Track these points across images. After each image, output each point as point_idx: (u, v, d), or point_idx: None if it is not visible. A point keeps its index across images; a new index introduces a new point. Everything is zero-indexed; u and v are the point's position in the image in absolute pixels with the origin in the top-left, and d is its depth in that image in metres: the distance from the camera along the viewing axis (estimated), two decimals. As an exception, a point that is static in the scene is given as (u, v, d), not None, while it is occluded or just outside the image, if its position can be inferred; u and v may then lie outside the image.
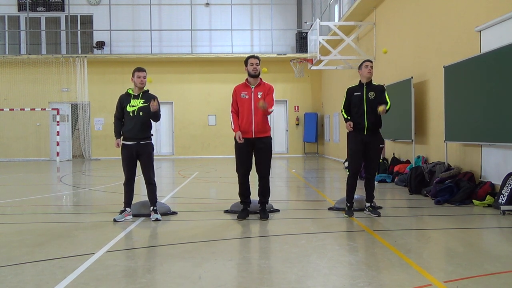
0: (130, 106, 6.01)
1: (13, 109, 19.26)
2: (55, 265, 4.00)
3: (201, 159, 19.81)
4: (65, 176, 13.07)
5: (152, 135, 6.21)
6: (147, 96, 6.08)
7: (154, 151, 6.27)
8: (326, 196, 8.25)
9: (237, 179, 6.20)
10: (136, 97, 6.06)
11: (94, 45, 21.02)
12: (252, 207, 6.28)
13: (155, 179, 6.19)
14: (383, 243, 4.64)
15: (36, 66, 19.88)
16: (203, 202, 8.08)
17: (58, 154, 19.00)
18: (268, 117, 6.19)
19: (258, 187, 6.20)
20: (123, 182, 6.13)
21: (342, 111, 6.48)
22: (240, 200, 6.27)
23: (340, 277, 3.62)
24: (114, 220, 5.88)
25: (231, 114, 6.13)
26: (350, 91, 6.36)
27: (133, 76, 6.09)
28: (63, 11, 21.12)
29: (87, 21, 21.40)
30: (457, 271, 3.74)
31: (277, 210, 6.57)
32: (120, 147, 6.11)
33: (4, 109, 19.34)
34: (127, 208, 6.08)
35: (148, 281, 3.59)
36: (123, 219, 5.93)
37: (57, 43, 21.41)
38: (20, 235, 5.25)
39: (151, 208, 6.11)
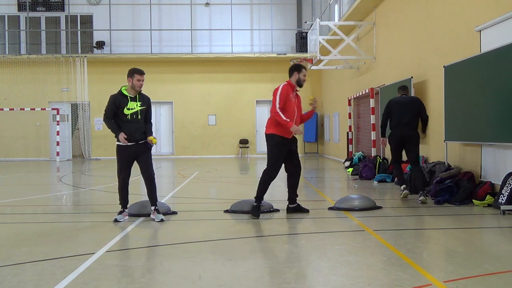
0: (127, 109, 5.85)
1: (13, 109, 19.25)
2: (55, 265, 4.00)
3: (201, 159, 19.81)
4: (65, 176, 13.07)
5: None
6: (143, 98, 6.00)
7: (153, 150, 6.22)
8: (326, 196, 8.25)
9: (268, 177, 6.15)
10: (133, 99, 5.90)
11: (94, 45, 21.02)
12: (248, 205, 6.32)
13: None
14: (383, 243, 4.64)
15: (36, 66, 19.88)
16: (203, 202, 8.08)
17: (58, 154, 19.00)
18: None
19: (291, 184, 6.35)
20: (119, 184, 6.03)
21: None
22: (258, 200, 6.17)
23: (340, 277, 3.62)
24: (116, 220, 5.86)
25: (279, 111, 6.00)
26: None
27: (131, 77, 5.85)
28: (63, 11, 21.12)
29: (87, 21, 21.40)
30: (457, 271, 3.74)
31: (277, 210, 6.56)
32: (116, 149, 5.97)
33: (4, 109, 19.33)
34: (125, 209, 6.07)
35: (148, 281, 3.59)
36: (122, 219, 5.93)
37: (57, 43, 21.42)
38: (20, 235, 5.25)
39: (153, 208, 6.01)
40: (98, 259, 4.16)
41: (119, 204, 6.05)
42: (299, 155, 6.56)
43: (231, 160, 19.11)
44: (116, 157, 6.06)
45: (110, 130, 5.97)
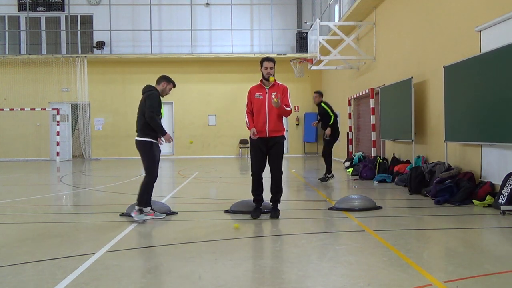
0: (162, 109, 6.08)
1: (13, 109, 19.24)
2: (55, 265, 4.01)
3: (201, 159, 19.81)
4: (65, 176, 13.06)
5: None
6: None
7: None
8: (326, 196, 8.25)
9: (251, 177, 6.24)
10: None
11: (94, 45, 21.01)
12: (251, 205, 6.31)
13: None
14: (383, 243, 4.64)
15: (36, 66, 19.85)
16: (203, 202, 8.08)
17: (58, 154, 18.99)
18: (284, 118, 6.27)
19: (270, 186, 6.21)
20: (152, 181, 5.97)
21: None
22: (252, 198, 6.26)
23: (340, 277, 3.62)
24: (143, 221, 5.82)
25: (246, 114, 6.28)
26: None
27: (168, 83, 6.15)
28: (63, 11, 21.11)
29: (87, 21, 21.39)
30: (457, 271, 3.74)
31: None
32: (151, 146, 5.96)
33: (4, 109, 19.31)
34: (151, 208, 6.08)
35: (148, 281, 3.59)
36: (160, 217, 6.02)
37: (57, 43, 21.41)
38: (20, 235, 5.25)
39: (150, 208, 6.02)
40: (98, 259, 4.16)
41: (143, 203, 5.91)
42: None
43: (231, 160, 19.10)
44: (148, 155, 5.95)
45: (155, 127, 5.90)
